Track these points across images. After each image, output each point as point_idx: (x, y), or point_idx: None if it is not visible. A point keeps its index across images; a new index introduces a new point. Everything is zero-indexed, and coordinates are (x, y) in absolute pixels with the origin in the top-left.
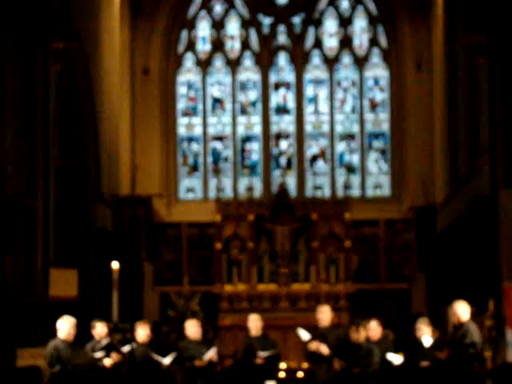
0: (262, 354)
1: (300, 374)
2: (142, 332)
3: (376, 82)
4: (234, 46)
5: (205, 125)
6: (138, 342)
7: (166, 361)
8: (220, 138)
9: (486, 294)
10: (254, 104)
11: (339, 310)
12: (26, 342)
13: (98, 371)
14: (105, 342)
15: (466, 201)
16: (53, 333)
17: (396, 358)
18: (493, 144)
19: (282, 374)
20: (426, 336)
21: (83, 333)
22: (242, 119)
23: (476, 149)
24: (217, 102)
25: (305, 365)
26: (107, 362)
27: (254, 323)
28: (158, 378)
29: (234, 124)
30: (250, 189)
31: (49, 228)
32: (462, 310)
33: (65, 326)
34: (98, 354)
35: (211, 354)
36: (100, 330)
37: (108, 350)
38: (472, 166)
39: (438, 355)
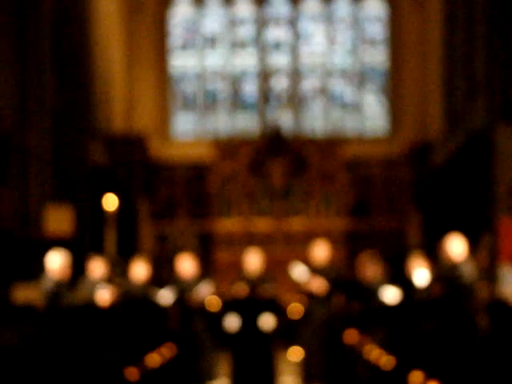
0: (261, 289)
1: (296, 310)
2: (140, 268)
3: (374, 17)
4: None
5: (200, 61)
6: (134, 278)
7: (166, 297)
8: (215, 75)
9: (481, 228)
10: (249, 40)
11: (335, 246)
12: (21, 277)
13: (94, 308)
14: (101, 277)
15: (462, 136)
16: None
17: (391, 294)
18: (489, 77)
19: (279, 310)
20: (420, 272)
21: (79, 269)
22: (237, 56)
23: (473, 83)
24: (211, 38)
25: (301, 302)
26: (104, 297)
27: (253, 259)
28: (156, 315)
29: (230, 61)
30: (245, 127)
31: (44, 164)
32: (455, 245)
33: (58, 263)
34: (96, 290)
35: (206, 290)
36: (96, 265)
37: (104, 286)
38: (468, 101)
39: (432, 291)
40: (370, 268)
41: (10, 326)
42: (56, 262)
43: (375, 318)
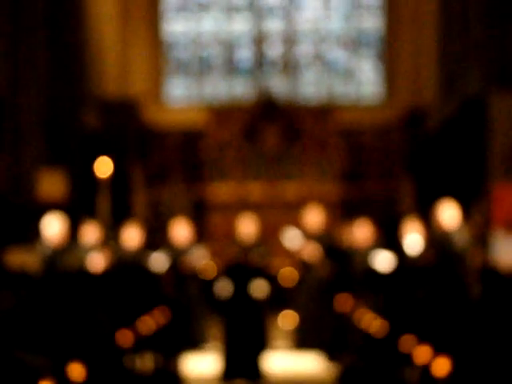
0: (253, 255)
1: (289, 275)
2: (133, 233)
3: None
4: None
5: (193, 26)
6: (127, 243)
7: (158, 262)
8: (209, 40)
9: (475, 194)
10: (243, 5)
11: (329, 212)
12: (15, 241)
13: (87, 274)
14: (95, 242)
15: (457, 101)
16: (42, 233)
17: (384, 260)
18: (484, 42)
19: (272, 276)
20: (413, 237)
21: (72, 234)
22: (231, 21)
23: (468, 48)
24: (205, 2)
25: (294, 267)
26: (97, 262)
27: (246, 224)
28: (149, 280)
29: (224, 26)
30: (239, 92)
31: (37, 129)
32: (449, 213)
33: (54, 227)
34: (89, 255)
35: (198, 255)
36: (90, 230)
37: (97, 251)
38: (463, 66)
39: (424, 258)
40: (362, 234)
41: (5, 290)
42: (53, 227)
43: (367, 284)
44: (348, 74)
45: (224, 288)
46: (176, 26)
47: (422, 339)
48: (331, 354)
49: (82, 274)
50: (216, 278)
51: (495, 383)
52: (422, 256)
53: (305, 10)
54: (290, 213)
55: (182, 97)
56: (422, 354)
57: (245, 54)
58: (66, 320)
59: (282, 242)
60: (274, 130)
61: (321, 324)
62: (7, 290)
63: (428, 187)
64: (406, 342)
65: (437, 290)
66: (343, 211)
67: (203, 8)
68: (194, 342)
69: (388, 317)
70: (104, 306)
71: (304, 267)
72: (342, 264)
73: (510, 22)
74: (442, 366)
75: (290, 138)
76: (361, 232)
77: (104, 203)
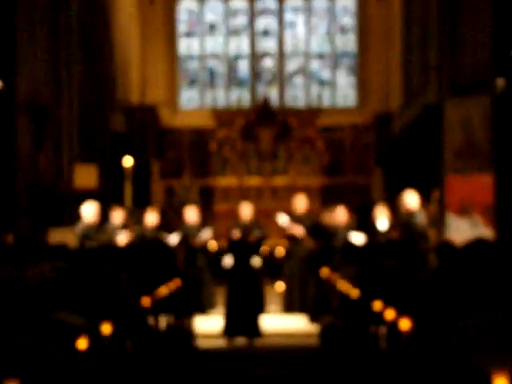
0: (253, 234)
1: (280, 251)
2: (152, 216)
3: (345, 9)
4: None
5: (202, 45)
6: (147, 224)
7: (173, 240)
8: (215, 57)
9: (432, 185)
10: (243, 28)
11: (313, 199)
12: (55, 223)
13: (114, 248)
14: (121, 223)
15: (417, 108)
16: (78, 216)
17: (358, 238)
18: (440, 60)
19: (265, 251)
20: (383, 219)
21: (102, 217)
22: (232, 41)
23: (427, 65)
24: (212, 26)
25: (284, 244)
26: (123, 239)
27: (245, 209)
28: (165, 254)
29: (226, 45)
30: (239, 100)
31: (73, 131)
32: (411, 198)
33: (89, 210)
34: (116, 233)
35: (206, 234)
36: (117, 214)
37: (123, 230)
38: (423, 79)
39: (391, 235)
40: (340, 217)
41: (48, 261)
42: (88, 211)
43: (345, 256)
44: (328, 85)
45: (227, 260)
46: (187, 45)
47: (389, 302)
48: (314, 315)
49: (111, 248)
50: (221, 253)
51: (448, 338)
52: (389, 234)
53: (293, 31)
54: (281, 200)
55: (191, 103)
56: (389, 314)
57: (243, 68)
58: (97, 286)
59: (274, 222)
60: (268, 131)
61: (305, 290)
62: (49, 261)
63: (395, 179)
64: (377, 304)
65: (401, 261)
66: (324, 198)
67: (209, 31)
68: (202, 306)
69: (362, 284)
70: (129, 275)
71: (292, 243)
72: (324, 240)
73: (459, 46)
74: (405, 324)
75: (281, 137)
76: (339, 215)
77: (128, 192)
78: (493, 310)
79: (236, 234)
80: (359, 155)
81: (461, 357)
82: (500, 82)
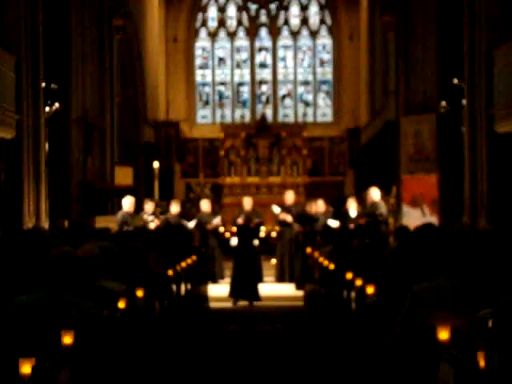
0: (253, 221)
1: (273, 234)
2: (175, 207)
3: (324, 47)
4: (232, 23)
5: (213, 74)
6: (171, 213)
7: (191, 225)
8: (223, 83)
9: (391, 183)
10: (245, 61)
11: (299, 194)
12: (99, 213)
13: (147, 230)
14: (151, 212)
15: (380, 124)
16: (118, 206)
17: (334, 223)
18: (398, 86)
19: (262, 234)
20: (353, 210)
21: (138, 207)
22: (237, 71)
23: (387, 89)
24: (221, 60)
25: (276, 228)
26: (152, 224)
27: (247, 202)
28: (185, 236)
29: (232, 74)
30: (242, 117)
31: (114, 141)
32: (374, 193)
33: (127, 202)
34: (148, 220)
35: (217, 221)
36: (148, 205)
37: (153, 217)
38: (384, 101)
39: (359, 221)
40: (320, 207)
41: (94, 241)
42: (127, 202)
43: (324, 237)
44: (311, 105)
45: (234, 241)
46: (202, 75)
47: (358, 273)
48: (300, 283)
49: (143, 231)
50: (228, 235)
51: (404, 300)
52: (358, 220)
53: (283, 64)
54: (275, 194)
55: (205, 119)
56: (358, 282)
57: (245, 92)
58: (133, 260)
59: (270, 212)
60: (264, 141)
61: (293, 264)
62: (96, 241)
63: (363, 178)
64: (348, 275)
65: (367, 241)
66: (308, 193)
67: (219, 63)
68: (214, 276)
69: (337, 259)
70: (157, 252)
71: (283, 227)
72: (308, 225)
73: (412, 75)
74: (370, 290)
75: (275, 146)
76: (319, 206)
77: (156, 188)
78: (439, 277)
79: (240, 220)
80: (335, 160)
81: (413, 315)
82: (443, 103)
